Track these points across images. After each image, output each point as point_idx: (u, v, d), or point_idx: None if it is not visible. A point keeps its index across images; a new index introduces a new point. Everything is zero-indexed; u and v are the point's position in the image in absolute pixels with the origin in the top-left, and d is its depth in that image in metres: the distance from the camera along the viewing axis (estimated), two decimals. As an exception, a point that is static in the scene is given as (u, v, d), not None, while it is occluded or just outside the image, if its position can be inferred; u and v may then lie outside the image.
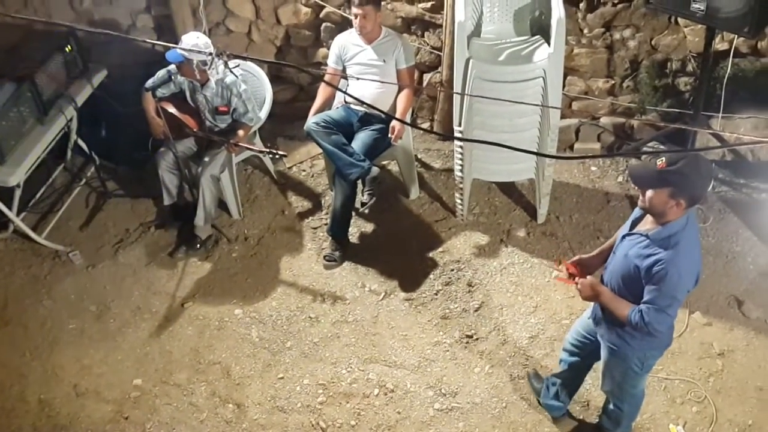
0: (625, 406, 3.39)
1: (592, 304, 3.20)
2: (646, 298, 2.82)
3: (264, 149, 4.76)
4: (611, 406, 3.44)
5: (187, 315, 4.45)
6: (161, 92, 4.58)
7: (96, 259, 4.81)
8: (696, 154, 2.98)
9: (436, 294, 4.44)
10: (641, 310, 2.83)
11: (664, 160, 2.71)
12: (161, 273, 4.71)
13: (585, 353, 3.41)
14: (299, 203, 5.14)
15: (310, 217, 5.02)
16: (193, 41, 4.39)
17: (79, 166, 5.39)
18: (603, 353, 3.22)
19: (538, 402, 3.80)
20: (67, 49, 4.86)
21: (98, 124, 5.37)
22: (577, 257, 3.21)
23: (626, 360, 3.12)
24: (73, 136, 5.14)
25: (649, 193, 2.77)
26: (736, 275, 4.38)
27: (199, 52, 4.23)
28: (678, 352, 3.98)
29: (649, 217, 2.88)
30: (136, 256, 4.82)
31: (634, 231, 2.93)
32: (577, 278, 3.07)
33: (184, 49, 4.27)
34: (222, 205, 4.98)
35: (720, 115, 4.62)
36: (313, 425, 3.82)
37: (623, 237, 2.98)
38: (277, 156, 4.61)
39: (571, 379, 3.59)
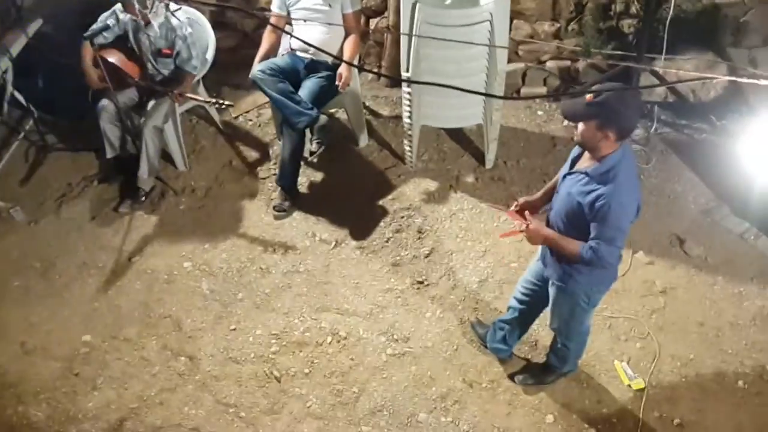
0: (572, 343, 3.49)
1: (539, 250, 3.25)
2: (593, 234, 2.89)
3: (209, 99, 4.65)
4: (558, 345, 3.53)
5: (134, 269, 4.39)
6: (103, 38, 4.41)
7: (38, 214, 4.70)
8: (622, 86, 3.03)
9: (386, 241, 4.46)
10: (591, 246, 2.89)
11: (590, 94, 2.77)
12: (106, 227, 4.62)
13: (534, 300, 3.48)
14: (247, 153, 5.07)
15: (258, 168, 4.96)
16: None
17: (16, 119, 5.21)
18: (551, 291, 3.29)
19: (484, 346, 3.87)
20: (-2, -3, 4.66)
21: (35, 75, 5.17)
22: (522, 199, 3.24)
23: (573, 296, 3.20)
24: (9, 88, 4.94)
25: (580, 126, 2.83)
26: (678, 214, 4.49)
27: None
28: (621, 291, 4.09)
29: (587, 155, 2.94)
30: (80, 211, 4.71)
31: (574, 170, 2.99)
32: (521, 226, 3.11)
33: None
34: (167, 156, 4.88)
35: (663, 56, 4.67)
36: (267, 374, 3.84)
37: (564, 176, 3.04)
38: (223, 106, 4.52)
39: (520, 324, 3.67)
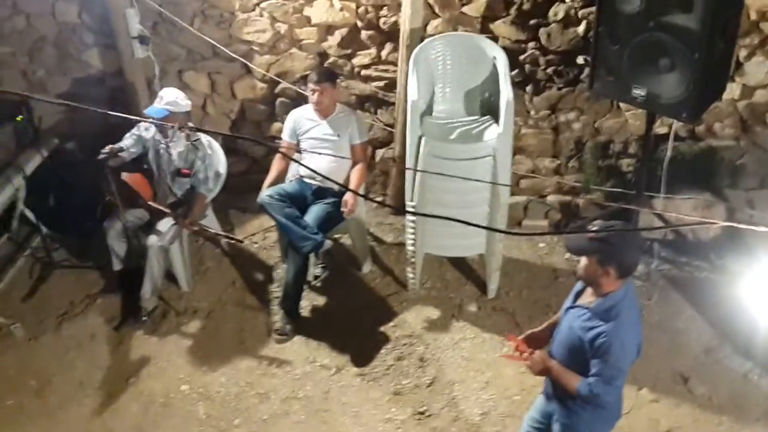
0: None
1: (544, 385, 3.24)
2: (592, 371, 2.87)
3: (220, 233, 4.77)
4: None
5: (131, 391, 4.32)
6: (121, 160, 4.53)
7: (39, 331, 4.67)
8: (623, 223, 3.09)
9: (388, 369, 4.41)
10: (590, 383, 2.87)
11: (594, 228, 2.84)
12: (106, 346, 4.59)
13: None
14: (251, 276, 5.10)
15: (262, 290, 4.98)
16: (174, 95, 4.47)
17: (24, 236, 5.27)
18: (554, 428, 3.23)
19: None
20: (18, 118, 4.82)
21: (46, 194, 5.29)
22: (528, 331, 3.24)
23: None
24: (20, 206, 5.05)
25: (582, 261, 2.87)
26: (681, 352, 4.46)
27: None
28: (627, 429, 4.01)
29: (590, 290, 2.96)
30: (81, 329, 4.69)
31: (577, 304, 3.00)
32: (525, 354, 3.10)
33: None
34: (171, 276, 4.91)
35: (662, 195, 4.79)
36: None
37: (567, 309, 3.05)
38: (232, 241, 4.61)
39: None
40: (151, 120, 4.47)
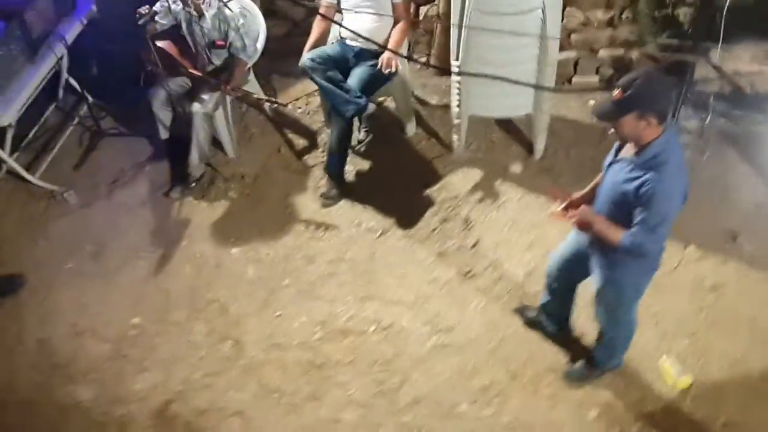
0: (619, 335, 3.45)
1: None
2: (636, 219, 2.84)
3: (262, 97, 4.73)
4: (606, 337, 3.48)
5: (184, 254, 4.46)
6: (160, 26, 4.47)
7: (91, 198, 4.81)
8: (646, 69, 3.01)
9: (432, 231, 4.44)
10: (633, 233, 2.86)
11: (619, 89, 2.72)
12: (157, 212, 4.70)
13: (567, 277, 3.49)
14: (295, 141, 5.10)
15: (306, 156, 4.99)
16: None
17: (71, 105, 5.34)
18: (597, 280, 3.25)
19: (544, 332, 3.86)
20: (55, -14, 4.75)
21: (89, 62, 5.29)
22: (574, 195, 3.20)
23: (619, 285, 3.17)
24: (65, 75, 5.08)
25: (618, 124, 2.79)
26: (732, 209, 4.37)
27: None
28: (670, 286, 4.00)
29: (631, 144, 2.90)
30: (132, 196, 4.81)
31: (619, 158, 2.95)
32: (570, 210, 3.06)
33: None
34: (217, 143, 4.94)
35: (719, 45, 4.53)
36: (310, 361, 3.87)
37: (609, 164, 3.00)
38: (274, 105, 4.56)
39: (557, 306, 3.70)
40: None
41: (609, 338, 3.48)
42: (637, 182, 2.79)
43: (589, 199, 3.19)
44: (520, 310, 3.99)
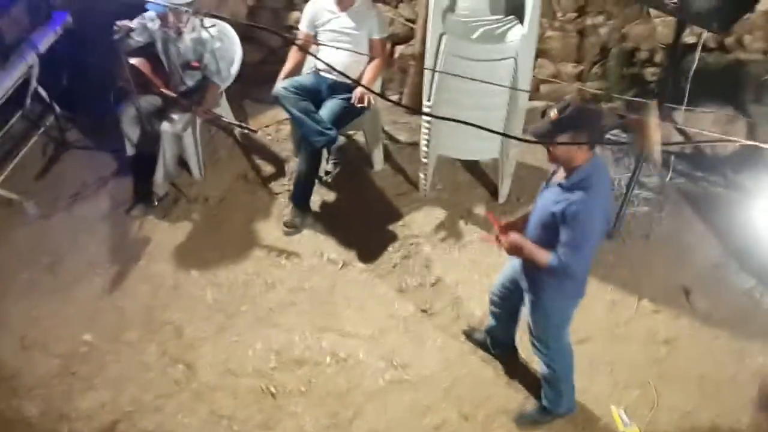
0: (556, 365, 3.53)
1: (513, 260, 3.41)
2: (562, 239, 3.00)
3: (233, 122, 4.74)
4: (546, 372, 3.57)
5: (142, 273, 4.41)
6: (134, 42, 4.46)
7: (51, 210, 4.74)
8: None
9: (393, 267, 4.46)
10: (559, 253, 3.02)
11: (556, 112, 2.92)
12: (117, 229, 4.65)
13: (507, 303, 3.65)
14: (263, 167, 5.10)
15: (273, 182, 4.99)
16: None
17: (38, 114, 5.27)
18: (527, 306, 3.41)
19: (490, 353, 3.97)
20: (31, -6, 4.72)
21: (60, 72, 5.24)
22: (504, 221, 3.39)
23: (545, 309, 3.33)
24: (34, 83, 5.01)
25: (553, 144, 2.97)
26: (687, 265, 4.47)
27: (179, 5, 4.22)
28: (624, 337, 4.08)
29: (561, 170, 3.08)
30: (93, 210, 4.75)
31: (550, 183, 3.14)
32: (502, 235, 3.21)
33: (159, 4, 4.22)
34: (183, 163, 4.91)
35: (683, 107, 4.68)
36: (263, 390, 3.83)
37: (541, 192, 3.19)
38: (245, 131, 4.57)
39: (500, 330, 3.83)
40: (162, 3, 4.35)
41: (549, 373, 3.55)
42: (564, 203, 2.98)
43: (521, 226, 3.34)
44: (468, 333, 4.09)
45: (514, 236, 3.17)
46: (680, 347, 4.08)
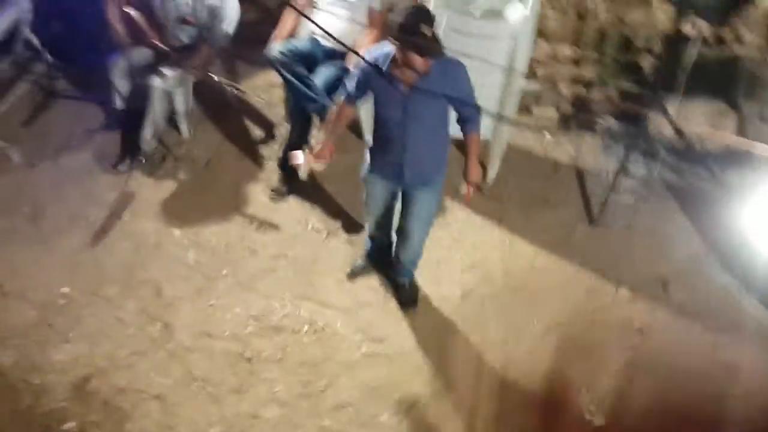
0: (424, 237, 3.90)
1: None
2: (464, 105, 3.40)
3: (226, 82, 4.69)
4: (415, 241, 3.88)
5: (124, 229, 4.39)
6: None
7: (36, 158, 4.70)
8: None
9: (377, 239, 4.46)
10: (471, 120, 3.49)
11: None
12: (102, 182, 4.62)
13: (386, 213, 3.93)
14: (253, 131, 5.07)
15: (262, 146, 4.96)
16: None
17: (27, 60, 5.18)
18: (417, 198, 3.65)
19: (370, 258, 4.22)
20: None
21: (52, 20, 5.15)
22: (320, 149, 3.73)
23: (438, 188, 3.70)
24: (25, 29, 4.93)
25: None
26: (667, 257, 4.49)
27: None
28: (601, 324, 4.10)
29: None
30: (78, 162, 4.72)
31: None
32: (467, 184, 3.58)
33: None
34: (172, 121, 4.87)
35: (678, 100, 4.68)
36: (238, 354, 3.85)
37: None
38: (237, 91, 4.52)
39: (384, 236, 4.10)
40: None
41: (420, 241, 3.87)
42: (445, 85, 3.31)
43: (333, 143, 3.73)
44: (353, 273, 4.26)
45: (473, 169, 3.53)
46: (654, 336, 4.12)
